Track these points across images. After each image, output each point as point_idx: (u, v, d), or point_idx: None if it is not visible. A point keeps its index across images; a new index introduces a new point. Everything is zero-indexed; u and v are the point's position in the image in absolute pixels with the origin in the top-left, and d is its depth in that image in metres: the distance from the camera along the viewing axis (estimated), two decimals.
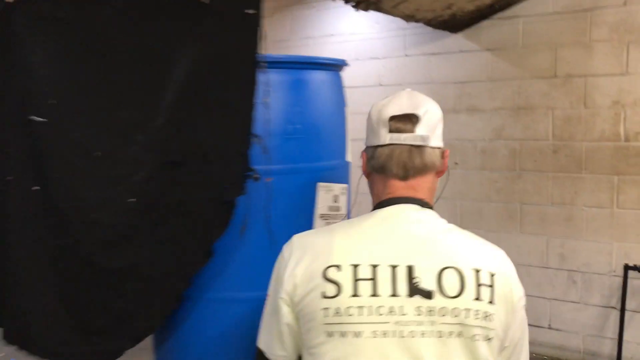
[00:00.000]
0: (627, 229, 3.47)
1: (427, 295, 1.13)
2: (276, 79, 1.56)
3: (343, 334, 1.13)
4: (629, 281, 3.43)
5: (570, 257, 3.68)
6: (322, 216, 1.63)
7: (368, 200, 1.33)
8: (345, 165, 1.85)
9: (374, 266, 1.14)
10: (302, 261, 1.18)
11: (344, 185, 1.72)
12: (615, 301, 3.51)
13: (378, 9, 3.02)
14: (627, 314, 3.45)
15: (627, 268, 3.42)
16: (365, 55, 4.31)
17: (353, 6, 2.86)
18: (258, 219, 1.56)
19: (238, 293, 1.62)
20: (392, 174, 1.24)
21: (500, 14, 3.76)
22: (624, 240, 3.48)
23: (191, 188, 1.46)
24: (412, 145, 1.23)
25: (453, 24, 3.67)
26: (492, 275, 1.16)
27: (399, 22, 3.74)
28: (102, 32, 1.43)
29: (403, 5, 3.09)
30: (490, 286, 1.15)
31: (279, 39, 4.64)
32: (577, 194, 3.63)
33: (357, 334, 1.12)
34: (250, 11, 1.41)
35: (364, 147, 1.31)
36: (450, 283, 1.14)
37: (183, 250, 1.49)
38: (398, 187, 1.25)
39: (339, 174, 1.74)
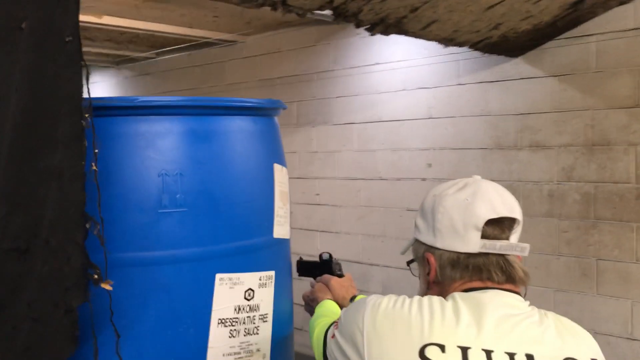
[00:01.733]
0: None
1: None
2: (145, 130, 1.15)
3: None
4: None
5: None
6: (224, 322, 1.18)
7: None
8: (274, 244, 1.38)
9: (488, 352, 1.01)
10: (391, 333, 1.05)
11: (267, 274, 1.26)
12: None
13: (402, 32, 2.55)
14: None
15: None
16: (414, 84, 3.82)
17: (367, 29, 2.41)
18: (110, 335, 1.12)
19: None
20: (487, 280, 1.12)
21: (567, 33, 3.16)
22: None
23: (40, 285, 1.07)
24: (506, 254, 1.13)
25: (508, 46, 3.12)
26: None
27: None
28: None
29: (435, 27, 2.60)
30: None
31: (322, 69, 4.26)
32: None
33: None
34: (68, 38, 1.00)
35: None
36: None
37: None
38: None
39: (258, 259, 1.28)
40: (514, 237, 1.17)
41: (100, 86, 6.07)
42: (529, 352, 1.03)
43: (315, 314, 1.38)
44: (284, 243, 1.42)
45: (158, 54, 5.19)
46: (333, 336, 1.16)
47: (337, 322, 1.18)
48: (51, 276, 1.08)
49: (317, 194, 4.39)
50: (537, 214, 3.35)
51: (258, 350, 1.25)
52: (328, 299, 1.46)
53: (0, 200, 1.08)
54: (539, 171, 3.33)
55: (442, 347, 1.00)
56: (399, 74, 3.89)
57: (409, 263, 1.29)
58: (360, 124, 4.10)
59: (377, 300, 1.12)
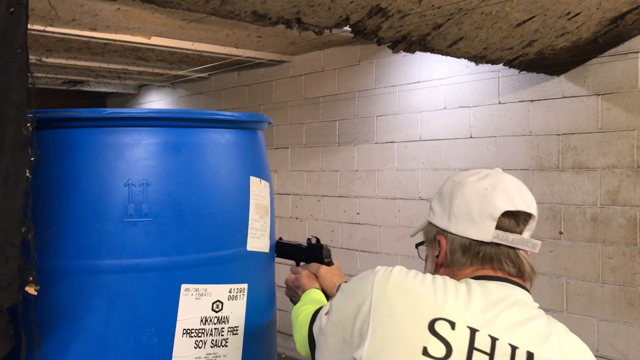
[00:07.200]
0: None
1: None
2: (114, 141, 1.18)
3: None
4: None
5: None
6: (189, 332, 1.19)
7: None
8: (248, 257, 1.37)
9: (494, 339, 1.00)
10: (401, 302, 1.05)
11: (238, 286, 1.25)
12: None
13: (428, 49, 2.52)
14: None
15: None
16: (454, 102, 3.76)
17: (389, 46, 2.40)
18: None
19: None
20: (499, 270, 1.12)
21: (611, 50, 3.03)
22: None
23: None
24: (517, 248, 1.13)
25: (547, 64, 3.02)
26: None
27: None
28: None
29: (463, 44, 2.55)
30: None
31: (364, 88, 4.26)
32: None
33: None
34: (18, 50, 1.04)
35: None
36: None
37: None
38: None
39: (228, 271, 1.28)
40: (527, 233, 1.16)
41: (157, 104, 6.30)
42: (531, 350, 1.02)
43: (302, 301, 1.37)
44: (261, 256, 1.41)
45: (210, 74, 5.35)
46: (327, 312, 1.16)
47: (332, 299, 1.19)
48: None
49: (358, 213, 4.37)
50: (580, 239, 3.20)
51: None
52: (315, 287, 1.44)
53: None
54: (582, 193, 3.19)
55: (452, 324, 1.00)
56: (440, 92, 3.83)
57: (417, 245, 1.29)
58: (400, 142, 4.06)
59: (388, 268, 1.13)
